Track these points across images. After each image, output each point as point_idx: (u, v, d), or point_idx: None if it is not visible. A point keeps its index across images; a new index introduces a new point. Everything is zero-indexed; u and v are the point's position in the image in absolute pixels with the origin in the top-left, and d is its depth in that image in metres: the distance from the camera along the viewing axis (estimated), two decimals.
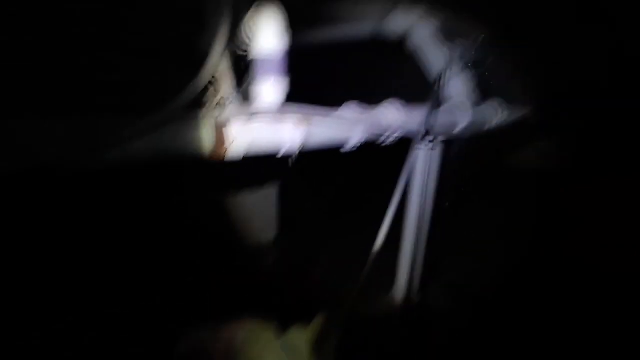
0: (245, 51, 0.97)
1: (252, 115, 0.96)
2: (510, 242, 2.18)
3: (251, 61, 0.98)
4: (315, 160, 1.17)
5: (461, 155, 1.46)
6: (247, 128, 0.95)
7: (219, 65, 0.88)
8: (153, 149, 0.84)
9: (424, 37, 1.59)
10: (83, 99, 0.87)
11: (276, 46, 0.95)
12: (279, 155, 1.02)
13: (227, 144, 0.91)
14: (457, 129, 1.40)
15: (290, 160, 1.08)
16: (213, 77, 0.89)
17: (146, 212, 1.37)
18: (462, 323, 1.79)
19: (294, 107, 0.97)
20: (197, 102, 0.93)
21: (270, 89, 0.98)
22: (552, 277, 2.12)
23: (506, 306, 1.91)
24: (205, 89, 0.94)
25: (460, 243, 2.00)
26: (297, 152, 1.04)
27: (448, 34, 1.54)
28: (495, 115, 1.53)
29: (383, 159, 1.31)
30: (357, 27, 2.02)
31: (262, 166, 1.23)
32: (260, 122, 0.97)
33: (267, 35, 0.92)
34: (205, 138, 0.89)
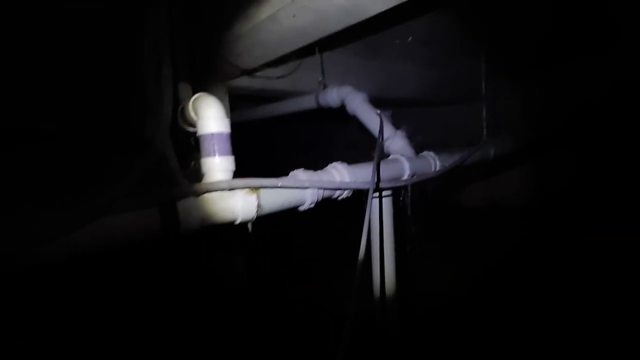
0: (192, 130, 1.02)
1: (204, 191, 0.97)
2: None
3: (199, 139, 1.02)
4: (274, 222, 1.18)
5: (410, 200, 1.57)
6: (200, 202, 0.95)
7: (165, 146, 0.91)
8: (104, 234, 0.80)
9: (358, 104, 1.79)
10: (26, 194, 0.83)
11: (222, 124, 1.01)
12: (236, 224, 1.02)
13: (180, 219, 0.89)
14: (402, 179, 1.52)
15: (248, 227, 1.07)
16: (160, 157, 0.91)
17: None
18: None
19: (244, 180, 1.00)
20: (146, 183, 0.92)
21: (218, 164, 1.01)
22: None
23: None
24: (154, 169, 0.95)
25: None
26: (254, 219, 1.04)
27: (377, 102, 1.77)
28: (433, 163, 1.70)
29: (339, 213, 1.37)
30: (300, 100, 2.24)
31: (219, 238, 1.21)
32: (213, 195, 0.98)
33: (212, 115, 0.99)
34: (158, 216, 0.87)
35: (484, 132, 2.13)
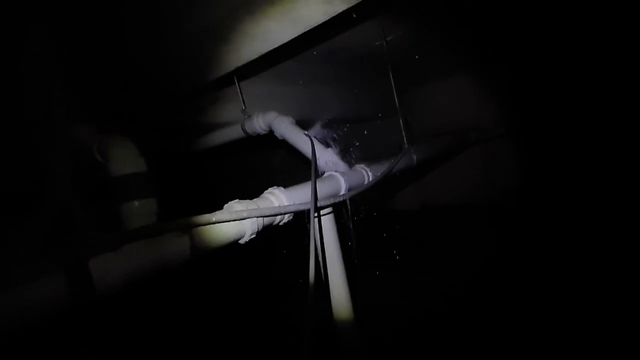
0: (102, 173, 0.89)
1: (124, 241, 0.84)
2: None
3: (113, 183, 0.90)
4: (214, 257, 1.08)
5: (351, 212, 1.60)
6: (120, 256, 0.82)
7: (67, 197, 0.77)
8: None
9: (285, 128, 1.80)
10: None
11: (136, 163, 0.90)
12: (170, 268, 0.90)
13: (95, 280, 0.75)
14: (340, 195, 1.54)
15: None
16: (62, 211, 0.77)
17: None
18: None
19: (171, 222, 0.90)
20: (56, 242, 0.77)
21: (139, 208, 0.90)
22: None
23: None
24: (57, 226, 0.79)
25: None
26: (189, 261, 0.94)
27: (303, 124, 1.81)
28: (366, 175, 1.76)
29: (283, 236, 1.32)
30: (226, 131, 2.17)
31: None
32: (137, 245, 0.86)
33: (123, 154, 0.88)
34: (63, 282, 0.72)
35: (405, 142, 2.31)
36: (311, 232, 1.11)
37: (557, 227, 2.78)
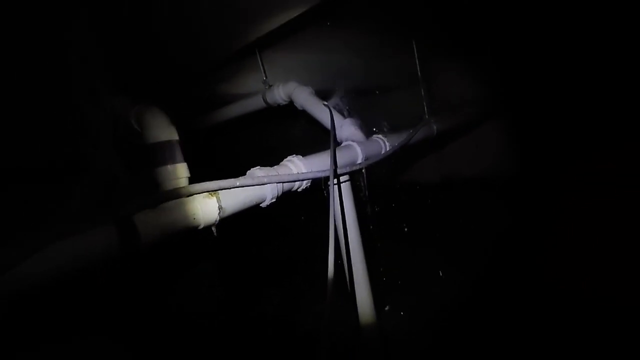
0: (139, 141, 0.99)
1: (161, 201, 0.95)
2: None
3: (148, 149, 1.00)
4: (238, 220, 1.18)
5: (368, 181, 1.66)
6: (159, 213, 0.93)
7: (111, 162, 0.88)
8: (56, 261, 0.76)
9: (305, 98, 1.84)
10: None
11: (169, 132, 1.00)
12: (200, 229, 1.01)
13: (139, 232, 0.87)
14: (357, 163, 1.59)
15: (213, 230, 1.06)
16: (107, 175, 0.88)
17: None
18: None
19: (200, 184, 1.00)
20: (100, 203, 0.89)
21: (172, 172, 1.00)
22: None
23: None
24: (104, 188, 0.91)
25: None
26: (217, 222, 1.04)
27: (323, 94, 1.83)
28: (383, 145, 1.79)
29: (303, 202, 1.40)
30: (247, 102, 2.23)
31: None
32: (171, 204, 0.97)
33: (157, 124, 0.97)
34: (115, 233, 0.84)
35: (425, 112, 2.28)
36: (331, 198, 1.17)
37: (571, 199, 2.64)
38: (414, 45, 2.14)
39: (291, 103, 2.00)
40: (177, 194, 0.97)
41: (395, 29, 2.25)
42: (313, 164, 1.36)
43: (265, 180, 1.15)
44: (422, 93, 2.23)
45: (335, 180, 1.62)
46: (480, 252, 2.68)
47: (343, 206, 1.63)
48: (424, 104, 2.28)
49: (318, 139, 1.59)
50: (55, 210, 0.91)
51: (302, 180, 1.32)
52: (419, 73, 2.29)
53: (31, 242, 0.74)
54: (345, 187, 1.69)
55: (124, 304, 1.81)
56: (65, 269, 0.80)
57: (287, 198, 1.31)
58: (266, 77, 2.05)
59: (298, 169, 1.31)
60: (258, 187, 1.16)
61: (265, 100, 2.08)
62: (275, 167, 1.28)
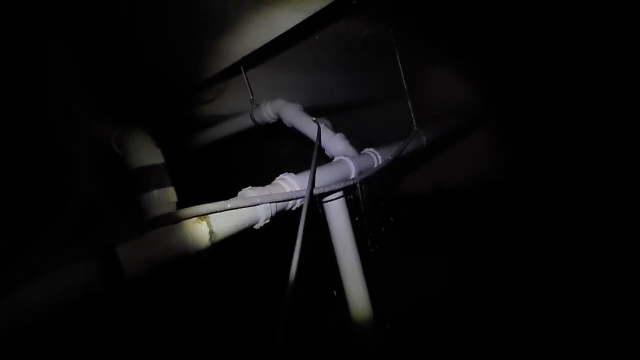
0: (123, 165, 0.94)
1: (147, 229, 0.89)
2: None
3: (132, 174, 0.94)
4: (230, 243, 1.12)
5: (362, 195, 1.62)
6: (144, 242, 0.87)
7: (90, 190, 0.82)
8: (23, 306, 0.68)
9: (294, 114, 1.81)
10: None
11: (153, 155, 0.94)
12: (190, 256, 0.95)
13: (123, 265, 0.80)
14: (350, 179, 1.56)
15: (204, 255, 1.00)
16: (87, 204, 0.82)
17: None
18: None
19: (189, 209, 0.94)
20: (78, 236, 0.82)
21: (158, 197, 0.94)
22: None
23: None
24: (83, 218, 0.84)
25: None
26: (209, 247, 0.98)
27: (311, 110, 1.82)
28: (375, 158, 1.77)
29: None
30: (235, 121, 2.20)
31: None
32: (158, 232, 0.90)
33: (141, 147, 0.92)
34: (95, 267, 0.77)
35: (414, 123, 2.29)
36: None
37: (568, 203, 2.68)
38: (398, 56, 2.16)
39: (280, 121, 1.97)
40: (164, 221, 0.91)
41: (379, 43, 2.28)
42: (307, 181, 1.32)
43: (258, 200, 1.10)
44: (410, 105, 2.24)
45: (329, 197, 1.58)
46: (479, 255, 2.68)
47: (338, 224, 1.59)
48: (412, 115, 2.29)
49: (310, 154, 1.55)
50: (31, 243, 0.83)
51: (295, 199, 1.27)
52: (405, 86, 2.31)
53: None
54: (339, 204, 1.65)
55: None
56: (34, 316, 0.71)
57: (281, 217, 1.26)
58: (253, 95, 2.03)
59: (291, 187, 1.26)
60: (251, 208, 1.11)
61: (253, 119, 2.05)
62: (268, 186, 1.24)
